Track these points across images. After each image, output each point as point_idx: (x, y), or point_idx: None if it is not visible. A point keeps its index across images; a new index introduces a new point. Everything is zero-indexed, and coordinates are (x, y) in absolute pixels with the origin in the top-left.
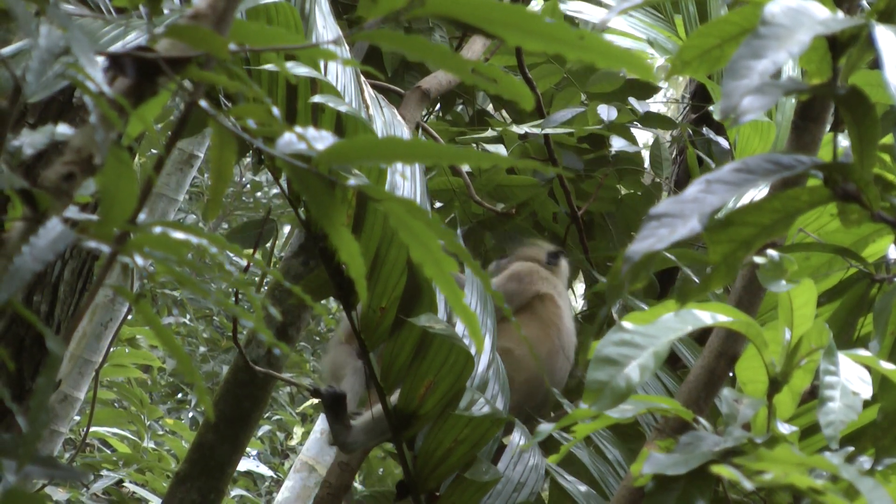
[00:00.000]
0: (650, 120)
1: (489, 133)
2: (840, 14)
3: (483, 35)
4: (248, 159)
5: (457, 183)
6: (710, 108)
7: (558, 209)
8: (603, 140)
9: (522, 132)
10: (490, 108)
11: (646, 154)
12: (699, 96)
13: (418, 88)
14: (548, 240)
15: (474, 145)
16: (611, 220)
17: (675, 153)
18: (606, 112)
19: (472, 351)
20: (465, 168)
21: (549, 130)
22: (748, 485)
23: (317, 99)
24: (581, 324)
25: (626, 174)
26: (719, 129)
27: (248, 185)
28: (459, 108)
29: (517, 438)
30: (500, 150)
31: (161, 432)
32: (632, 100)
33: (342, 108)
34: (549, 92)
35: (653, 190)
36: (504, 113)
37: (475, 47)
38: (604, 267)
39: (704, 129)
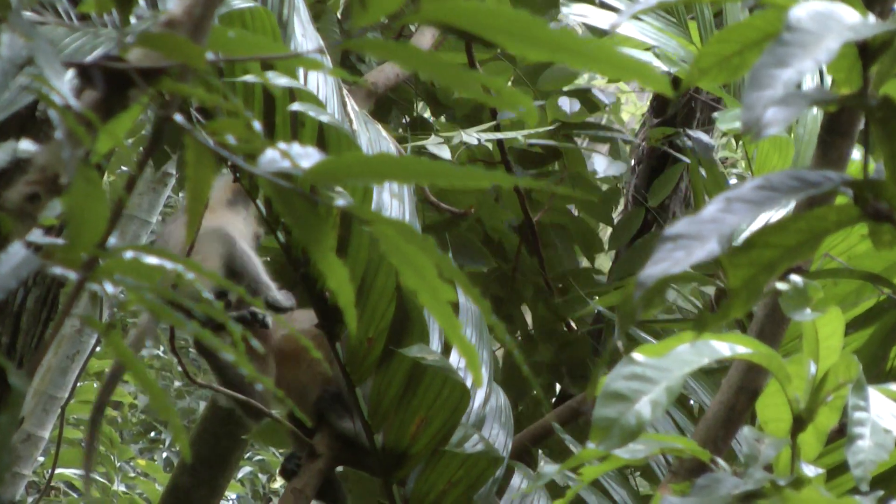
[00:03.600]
0: (587, 127)
1: (432, 139)
2: (871, 18)
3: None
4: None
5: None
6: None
7: (508, 217)
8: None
9: (475, 141)
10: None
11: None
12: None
13: (365, 82)
14: (496, 252)
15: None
16: (563, 230)
17: (633, 160)
18: (569, 105)
19: (469, 384)
20: None
21: (499, 136)
22: None
23: (296, 107)
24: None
25: (580, 180)
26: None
27: None
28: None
29: (518, 481)
30: (445, 153)
31: (132, 474)
32: (596, 91)
33: (324, 118)
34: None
35: (608, 197)
36: (443, 119)
37: (423, 39)
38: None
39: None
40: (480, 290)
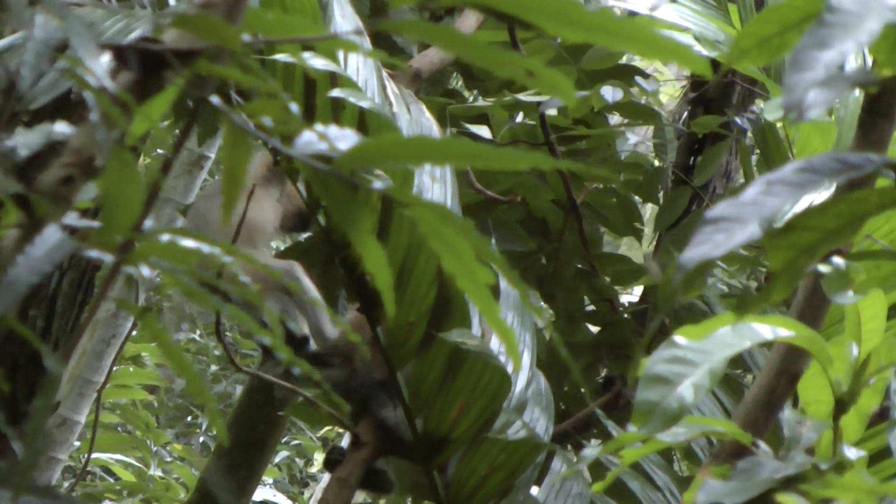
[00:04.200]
0: (627, 110)
1: (480, 102)
2: None
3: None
4: None
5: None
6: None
7: (550, 197)
8: (598, 121)
9: (513, 100)
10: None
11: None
12: (697, 83)
13: (409, 68)
14: (539, 232)
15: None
16: (605, 210)
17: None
18: (611, 94)
19: (509, 369)
20: None
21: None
22: None
23: (336, 93)
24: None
25: (625, 161)
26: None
27: None
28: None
29: (558, 464)
30: (484, 131)
31: (168, 459)
32: (638, 79)
33: (364, 104)
34: None
35: (654, 175)
36: (476, 93)
37: (468, 22)
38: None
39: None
40: (521, 270)
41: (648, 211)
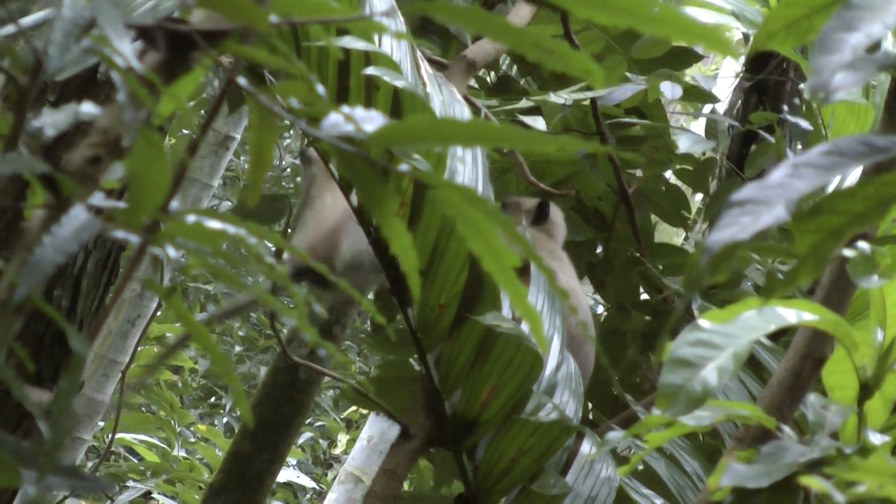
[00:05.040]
0: (690, 94)
1: (524, 103)
2: None
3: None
4: (288, 140)
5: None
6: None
7: (602, 186)
8: (651, 111)
9: (563, 101)
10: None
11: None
12: (754, 67)
13: (463, 58)
14: (593, 221)
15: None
16: (656, 198)
17: (728, 126)
18: (671, 90)
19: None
20: None
21: (590, 95)
22: (839, 497)
23: (371, 71)
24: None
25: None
26: (776, 102)
27: (289, 169)
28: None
29: (587, 447)
30: (539, 122)
31: (193, 439)
32: (697, 76)
33: (399, 83)
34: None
35: (706, 165)
36: (530, 79)
37: (522, 12)
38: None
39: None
40: (575, 259)
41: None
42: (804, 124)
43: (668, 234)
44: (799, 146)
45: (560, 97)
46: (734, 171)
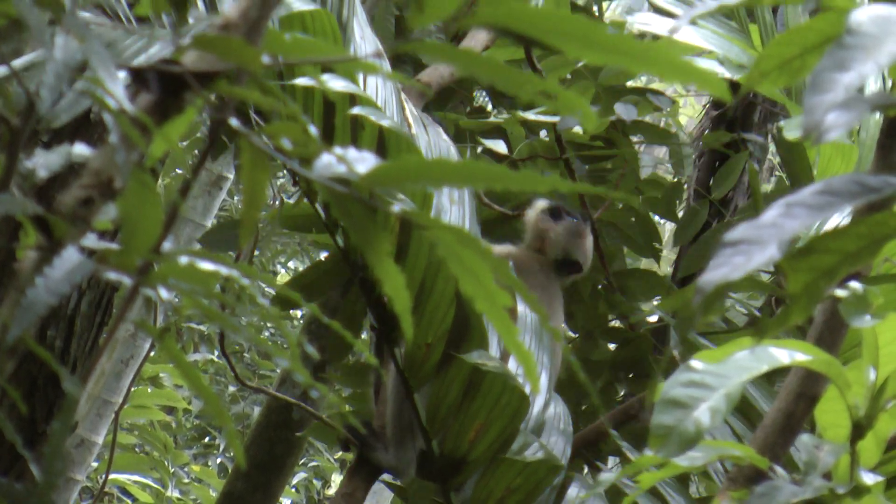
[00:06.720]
0: (643, 129)
1: (492, 119)
2: None
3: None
4: (282, 180)
5: None
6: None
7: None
8: (617, 138)
9: (531, 117)
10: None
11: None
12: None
13: (418, 81)
14: None
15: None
16: (624, 228)
17: (694, 154)
18: (625, 111)
19: (527, 391)
20: None
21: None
22: None
23: (357, 110)
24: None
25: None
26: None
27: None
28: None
29: (576, 490)
30: (500, 146)
31: (187, 479)
32: (651, 95)
33: (384, 122)
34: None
35: (673, 192)
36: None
37: (479, 36)
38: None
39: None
40: None
41: (668, 232)
42: (761, 140)
43: None
44: (776, 175)
45: (528, 114)
46: (702, 195)
